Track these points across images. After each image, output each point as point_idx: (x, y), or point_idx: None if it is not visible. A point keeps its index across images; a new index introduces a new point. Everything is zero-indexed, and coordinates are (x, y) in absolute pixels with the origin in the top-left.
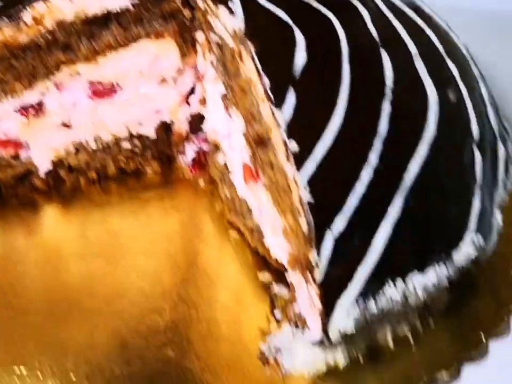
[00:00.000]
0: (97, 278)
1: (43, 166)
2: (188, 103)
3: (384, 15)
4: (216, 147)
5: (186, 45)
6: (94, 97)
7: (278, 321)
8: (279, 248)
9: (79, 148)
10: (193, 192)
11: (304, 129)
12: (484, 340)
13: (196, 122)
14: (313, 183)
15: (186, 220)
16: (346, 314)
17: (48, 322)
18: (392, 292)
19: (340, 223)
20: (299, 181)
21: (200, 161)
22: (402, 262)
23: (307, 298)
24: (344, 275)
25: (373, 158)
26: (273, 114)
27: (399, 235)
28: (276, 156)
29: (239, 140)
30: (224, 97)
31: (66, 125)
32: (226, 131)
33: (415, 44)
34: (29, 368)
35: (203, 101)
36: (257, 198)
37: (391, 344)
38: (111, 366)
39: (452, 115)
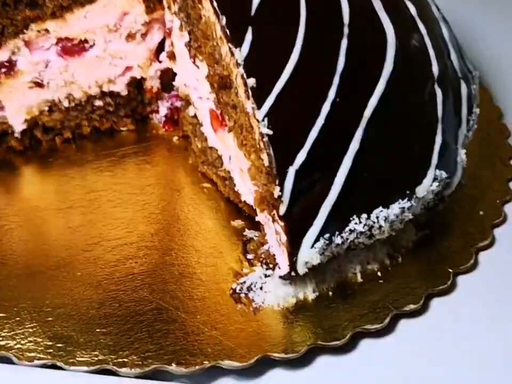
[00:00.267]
0: (74, 229)
1: (18, 126)
2: (158, 59)
3: None
4: (188, 103)
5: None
6: (64, 55)
7: (250, 263)
8: (248, 190)
9: (52, 106)
10: (167, 147)
11: (262, 66)
12: (451, 276)
13: (167, 78)
14: (273, 118)
15: (161, 173)
16: (311, 247)
17: (27, 272)
18: (356, 225)
19: (300, 157)
20: (259, 117)
21: (173, 118)
22: (365, 197)
23: (275, 236)
24: (308, 208)
25: (331, 92)
26: (232, 54)
27: (360, 170)
28: (237, 96)
29: (205, 87)
30: (189, 45)
31: (38, 84)
32: (195, 82)
33: None
34: (8, 313)
35: (172, 56)
36: (225, 145)
37: (359, 278)
38: (87, 307)
39: (411, 52)
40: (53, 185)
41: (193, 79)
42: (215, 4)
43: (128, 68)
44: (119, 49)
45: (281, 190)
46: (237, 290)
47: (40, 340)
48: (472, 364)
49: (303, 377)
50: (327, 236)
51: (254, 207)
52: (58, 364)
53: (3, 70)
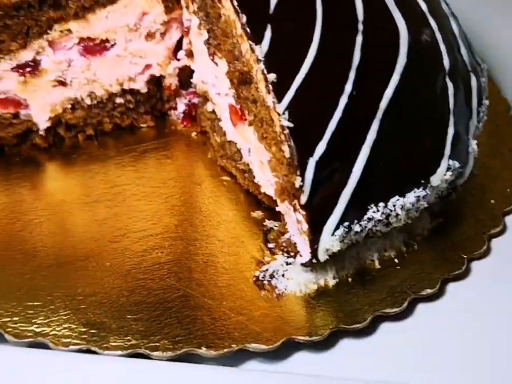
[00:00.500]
0: (100, 222)
1: (42, 124)
2: (176, 58)
3: None
4: (205, 99)
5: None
6: (86, 54)
7: (271, 251)
8: (268, 182)
9: (75, 104)
10: (186, 143)
11: (281, 62)
12: (465, 261)
13: (185, 75)
14: (293, 111)
15: (181, 167)
16: (332, 234)
17: (57, 263)
18: (374, 213)
19: (320, 148)
20: (280, 110)
21: (191, 114)
22: (382, 186)
23: (296, 225)
24: (328, 197)
25: (348, 85)
26: (252, 50)
27: (377, 160)
28: (258, 91)
29: (224, 83)
30: (208, 43)
31: (61, 83)
32: (213, 79)
33: None
34: (42, 302)
35: (190, 54)
36: (245, 139)
37: (377, 265)
38: (117, 295)
39: (422, 47)
40: (77, 181)
41: (211, 76)
42: (235, 3)
43: (147, 66)
44: (139, 48)
45: (302, 180)
46: (260, 278)
47: (75, 326)
48: (486, 343)
49: (326, 359)
50: (346, 224)
51: (274, 198)
52: (93, 348)
53: (28, 69)
